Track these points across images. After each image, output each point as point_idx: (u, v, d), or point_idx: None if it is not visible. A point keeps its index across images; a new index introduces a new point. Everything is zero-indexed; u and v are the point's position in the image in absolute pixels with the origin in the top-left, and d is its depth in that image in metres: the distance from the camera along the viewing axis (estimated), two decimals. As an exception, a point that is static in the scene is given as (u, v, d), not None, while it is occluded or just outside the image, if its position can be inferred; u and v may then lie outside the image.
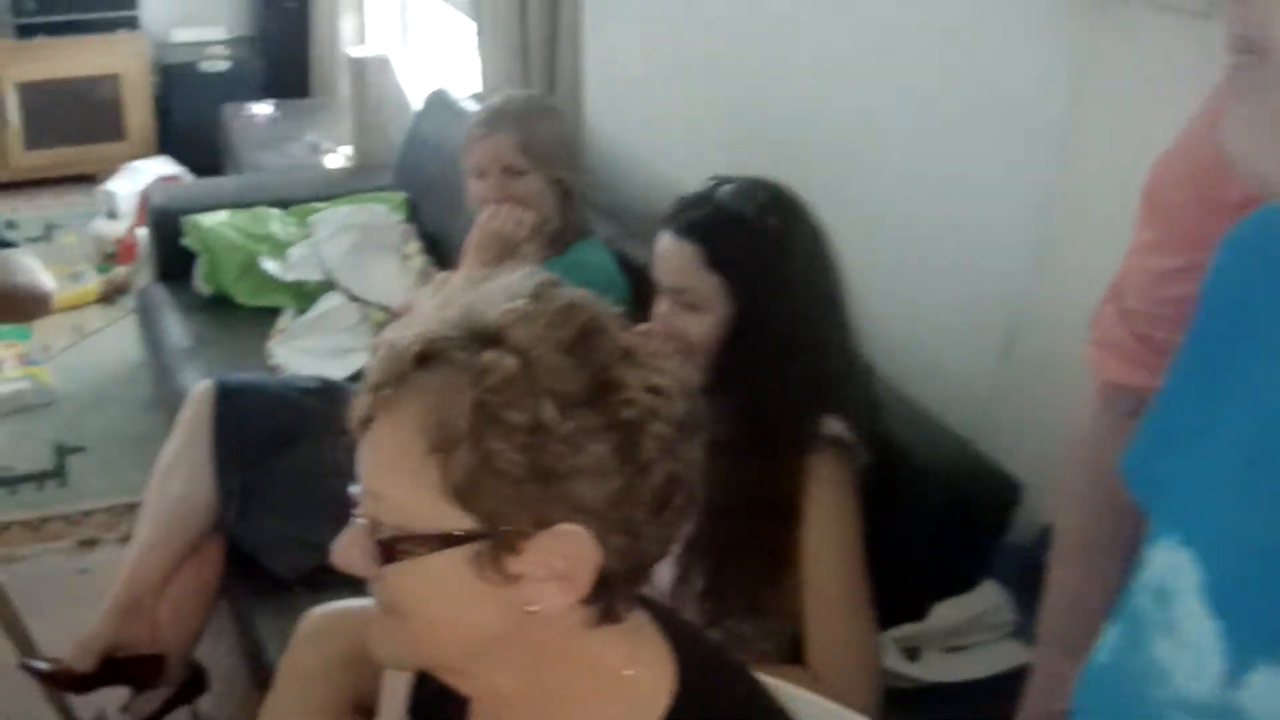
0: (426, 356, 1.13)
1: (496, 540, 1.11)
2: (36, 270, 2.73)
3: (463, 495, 1.10)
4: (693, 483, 1.18)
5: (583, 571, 1.13)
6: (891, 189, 2.54)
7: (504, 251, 2.86)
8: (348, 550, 1.19)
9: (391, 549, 1.13)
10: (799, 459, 2.03)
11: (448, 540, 1.11)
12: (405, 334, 1.16)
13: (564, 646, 1.19)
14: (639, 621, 1.26)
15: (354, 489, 1.20)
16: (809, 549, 2.01)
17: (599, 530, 1.11)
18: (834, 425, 2.06)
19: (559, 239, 2.94)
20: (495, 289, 1.19)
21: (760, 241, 2.06)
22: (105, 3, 6.26)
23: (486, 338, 1.12)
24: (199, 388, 2.88)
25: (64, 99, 6.23)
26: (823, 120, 2.72)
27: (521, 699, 1.23)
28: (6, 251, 2.70)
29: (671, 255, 2.11)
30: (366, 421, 1.16)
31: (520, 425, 1.08)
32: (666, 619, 1.29)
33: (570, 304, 1.16)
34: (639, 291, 2.60)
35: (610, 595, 1.17)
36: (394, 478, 1.13)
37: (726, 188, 2.12)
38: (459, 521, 1.11)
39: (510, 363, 1.09)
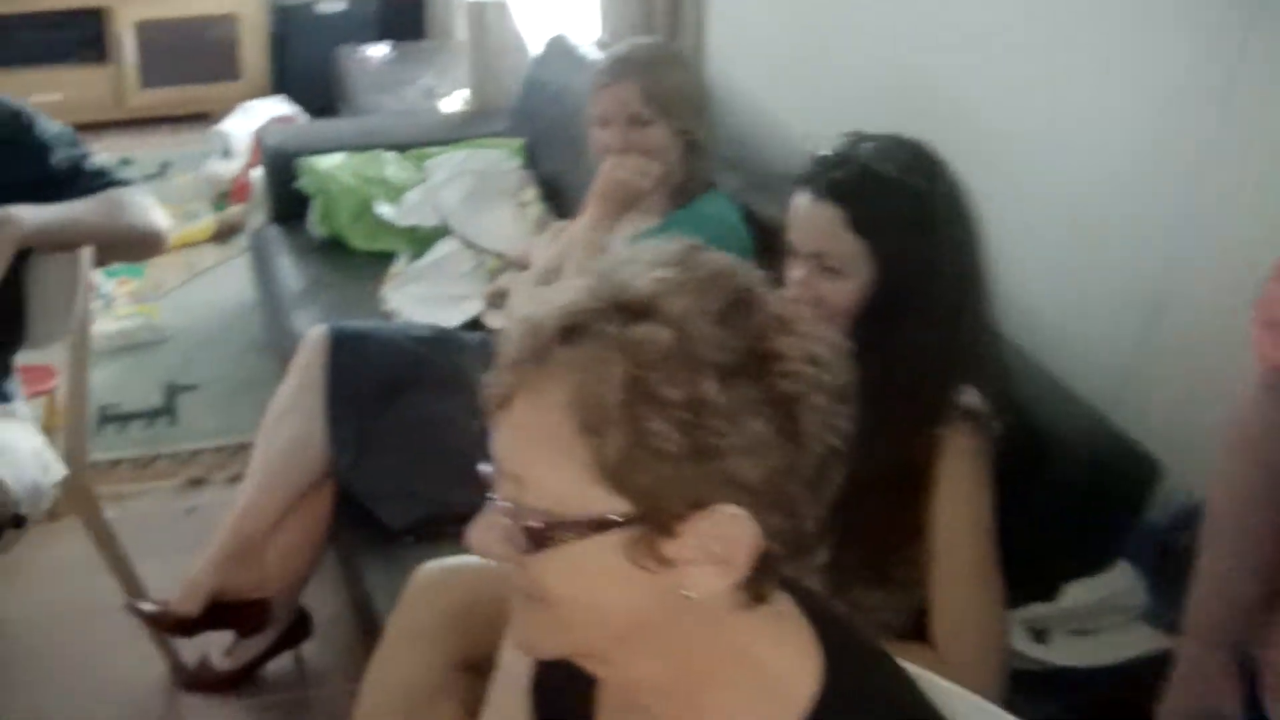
0: (571, 330, 1.06)
1: (652, 523, 1.05)
2: (150, 209, 2.71)
3: (616, 477, 1.04)
4: (843, 454, 1.12)
5: (741, 554, 1.07)
6: (1034, 154, 2.45)
7: (626, 202, 2.82)
8: (484, 535, 1.13)
9: (539, 535, 1.07)
10: (933, 429, 1.96)
11: (600, 525, 1.05)
12: (544, 307, 1.09)
13: (710, 630, 1.13)
14: (783, 604, 1.20)
15: (486, 469, 1.14)
16: (939, 521, 1.95)
17: (757, 510, 1.05)
18: (969, 395, 1.98)
19: (682, 191, 2.88)
20: (634, 255, 1.13)
21: (906, 203, 1.98)
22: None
23: (635, 309, 1.05)
24: (313, 333, 2.86)
25: (180, 38, 6.23)
26: (961, 77, 2.63)
27: (661, 684, 1.17)
28: (120, 190, 2.69)
29: (812, 217, 2.02)
30: (504, 400, 1.10)
31: (677, 401, 1.02)
32: (809, 601, 1.23)
33: (719, 271, 1.10)
34: (764, 247, 2.54)
35: (764, 577, 1.12)
36: (540, 460, 1.07)
37: (867, 146, 2.03)
38: (612, 505, 1.05)
39: (664, 335, 1.03)
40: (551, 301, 1.09)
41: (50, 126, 2.69)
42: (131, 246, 2.73)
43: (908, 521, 1.96)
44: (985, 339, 2.07)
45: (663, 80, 2.83)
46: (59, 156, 2.65)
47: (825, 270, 2.01)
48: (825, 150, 2.07)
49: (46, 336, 2.80)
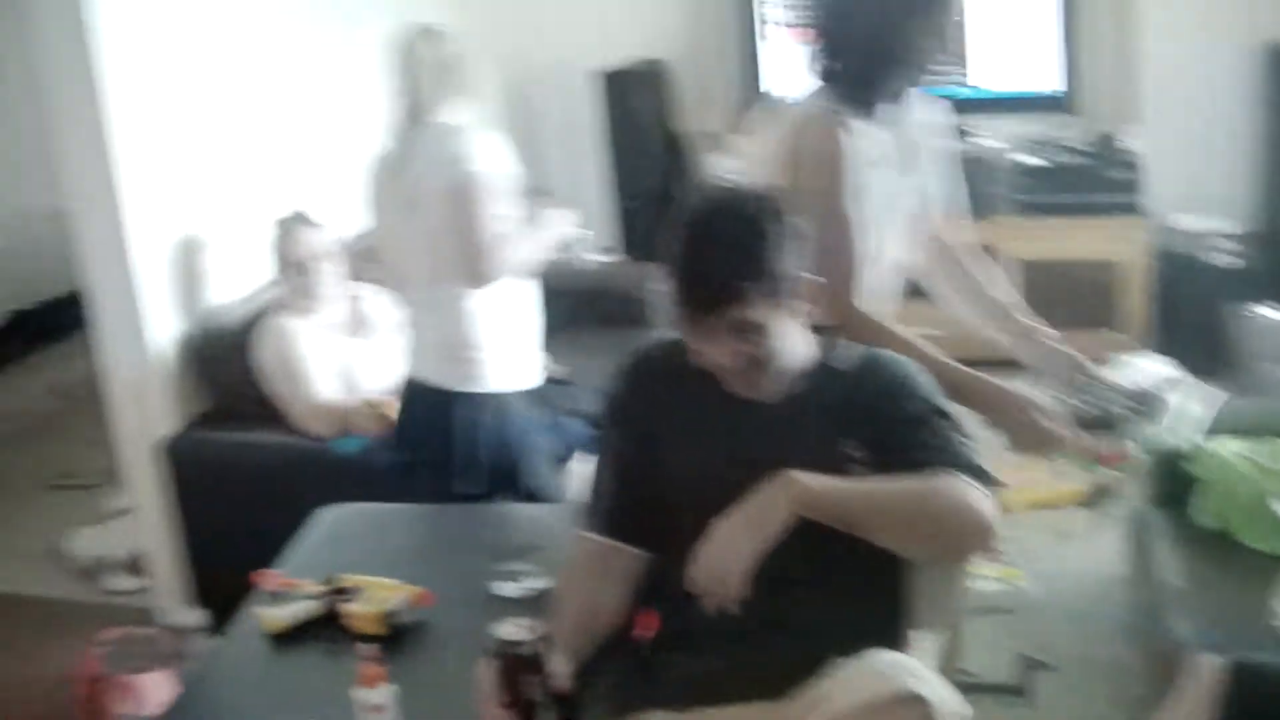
0: None
1: None
2: (974, 497, 2.35)
3: None
4: None
5: None
6: None
7: None
8: None
9: None
10: None
11: None
12: None
13: None
14: None
15: None
16: None
17: None
18: None
19: None
20: None
21: None
22: (1109, 185, 6.30)
23: None
24: (1206, 664, 2.60)
25: (1059, 280, 6.20)
26: None
27: None
28: (951, 475, 2.37)
29: None
30: None
31: None
32: None
33: None
34: None
35: None
36: None
37: None
38: None
39: None
40: None
41: (920, 389, 2.54)
42: (945, 539, 2.42)
43: None
44: None
45: None
46: (917, 431, 2.47)
47: None
48: None
49: (923, 624, 2.69)
